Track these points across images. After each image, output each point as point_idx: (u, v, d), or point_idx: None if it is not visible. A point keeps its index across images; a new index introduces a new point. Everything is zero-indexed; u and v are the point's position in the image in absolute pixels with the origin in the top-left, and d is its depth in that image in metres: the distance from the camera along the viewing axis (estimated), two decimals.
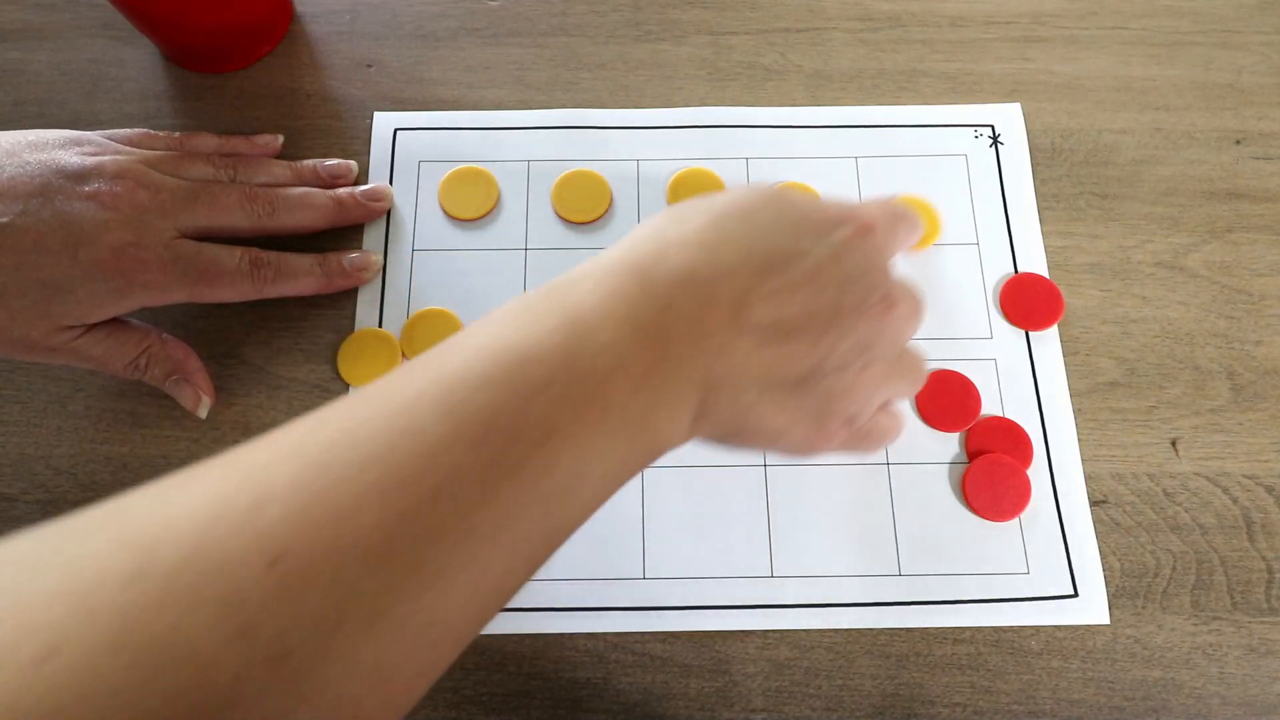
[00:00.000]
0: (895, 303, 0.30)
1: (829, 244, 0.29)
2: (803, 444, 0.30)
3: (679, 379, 0.26)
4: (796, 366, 0.28)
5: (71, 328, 0.34)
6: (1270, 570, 0.37)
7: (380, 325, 0.41)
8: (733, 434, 0.29)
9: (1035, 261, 0.42)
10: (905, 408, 0.39)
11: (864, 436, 0.33)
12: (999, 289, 0.41)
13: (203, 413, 0.38)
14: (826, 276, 0.28)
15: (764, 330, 0.27)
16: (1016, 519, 0.37)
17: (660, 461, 0.38)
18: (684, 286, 0.26)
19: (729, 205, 0.29)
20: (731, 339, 0.27)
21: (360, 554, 0.20)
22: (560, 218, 0.43)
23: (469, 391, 0.23)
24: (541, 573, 0.36)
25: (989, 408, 0.39)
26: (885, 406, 0.33)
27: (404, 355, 0.40)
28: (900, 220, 0.34)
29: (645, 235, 0.28)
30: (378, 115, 0.45)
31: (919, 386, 0.34)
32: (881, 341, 0.30)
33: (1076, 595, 0.36)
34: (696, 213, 0.29)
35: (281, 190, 0.39)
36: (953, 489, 0.38)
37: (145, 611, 0.18)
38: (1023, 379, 0.40)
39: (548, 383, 0.24)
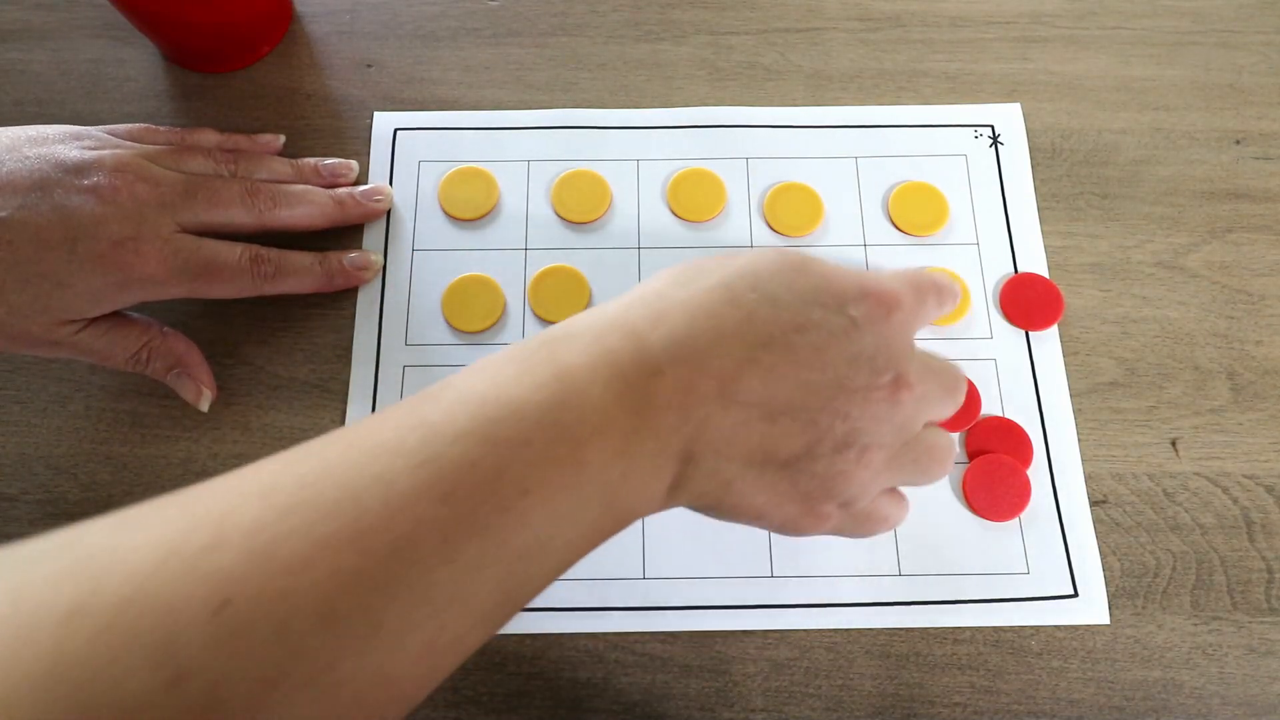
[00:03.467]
0: (908, 385, 0.28)
1: (842, 318, 0.27)
2: (789, 524, 0.29)
3: (659, 448, 0.25)
4: (787, 447, 0.27)
5: (72, 322, 0.34)
6: (1270, 570, 0.37)
7: (380, 325, 0.41)
8: (712, 506, 0.28)
9: (1035, 261, 0.42)
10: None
11: (861, 521, 0.31)
12: (999, 289, 0.41)
13: (204, 406, 0.38)
14: (832, 353, 0.27)
15: (754, 406, 0.26)
16: (1016, 519, 0.37)
17: None
18: (675, 353, 0.25)
19: (740, 269, 0.28)
20: (718, 412, 0.26)
21: (309, 607, 0.19)
22: (560, 218, 0.43)
23: (445, 443, 0.22)
24: None
25: (989, 408, 0.39)
26: (892, 491, 0.32)
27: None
28: (930, 293, 0.31)
29: (648, 294, 0.27)
30: (378, 115, 0.45)
31: (938, 475, 0.31)
32: (888, 426, 0.28)
33: (1076, 595, 0.36)
34: (704, 274, 0.28)
35: (282, 186, 0.39)
36: (953, 489, 0.38)
37: (79, 650, 0.17)
38: (1023, 379, 0.40)
39: (527, 440, 0.23)
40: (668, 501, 0.27)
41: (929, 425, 0.31)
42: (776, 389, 0.26)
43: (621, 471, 0.24)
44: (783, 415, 0.26)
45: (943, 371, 0.31)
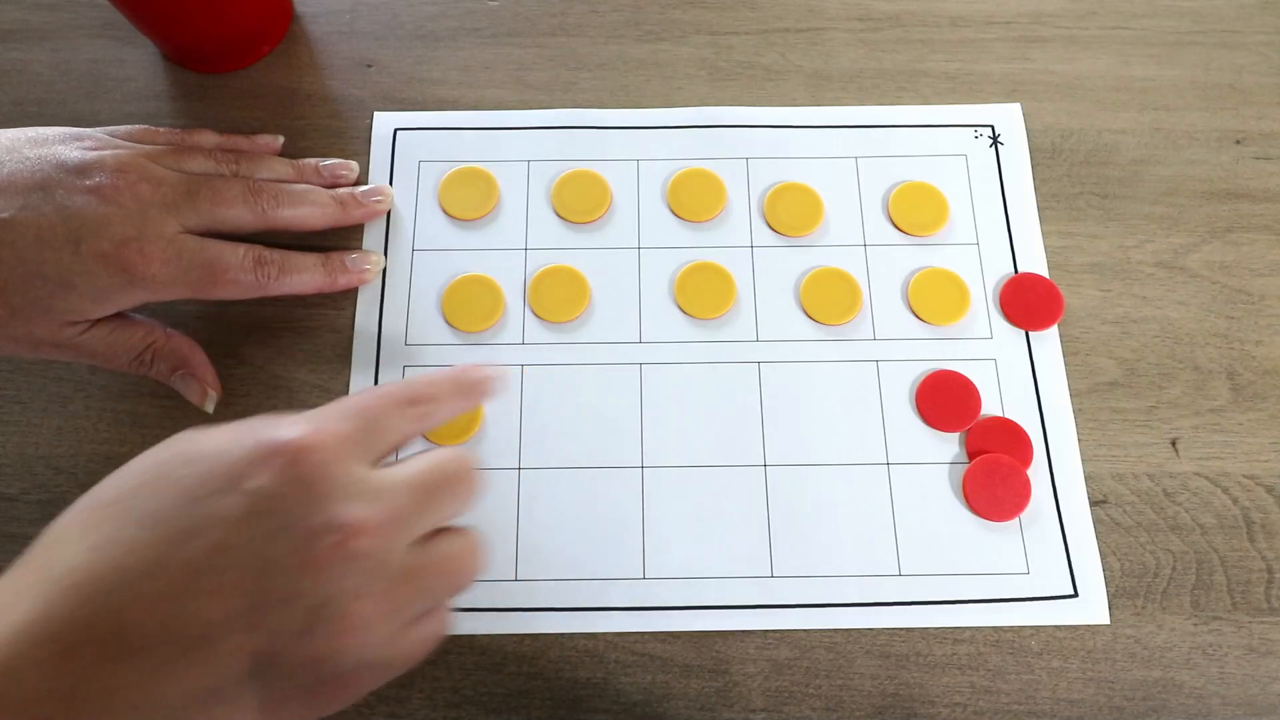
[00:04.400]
0: (359, 528, 0.24)
1: (240, 497, 0.24)
2: (317, 713, 0.25)
3: None
4: (238, 662, 0.23)
5: (76, 323, 0.34)
6: (1270, 570, 0.37)
7: (380, 325, 0.41)
8: None
9: (1035, 261, 0.42)
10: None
11: (391, 668, 0.26)
12: (999, 289, 0.41)
13: (209, 407, 0.38)
14: (242, 542, 0.23)
15: (159, 646, 0.22)
16: (1016, 519, 0.37)
17: (660, 461, 0.38)
18: (26, 640, 0.22)
19: (117, 495, 0.25)
20: (114, 675, 0.22)
21: None
22: (560, 218, 0.43)
23: None
24: (541, 572, 0.37)
25: (989, 408, 0.39)
26: (420, 619, 0.27)
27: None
28: (384, 412, 0.27)
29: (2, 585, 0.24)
30: (378, 115, 0.45)
31: (457, 588, 0.27)
32: (359, 579, 0.24)
33: (1076, 595, 0.36)
34: (72, 526, 0.24)
35: (285, 185, 0.39)
36: (953, 489, 0.38)
37: None
38: (1023, 379, 0.40)
39: None
40: None
41: (432, 537, 0.27)
42: (187, 613, 0.23)
43: None
44: (206, 636, 0.23)
45: (416, 479, 0.27)
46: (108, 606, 0.23)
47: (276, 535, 0.24)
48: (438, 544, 0.27)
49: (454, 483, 0.27)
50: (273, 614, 0.23)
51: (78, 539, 0.24)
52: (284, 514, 0.24)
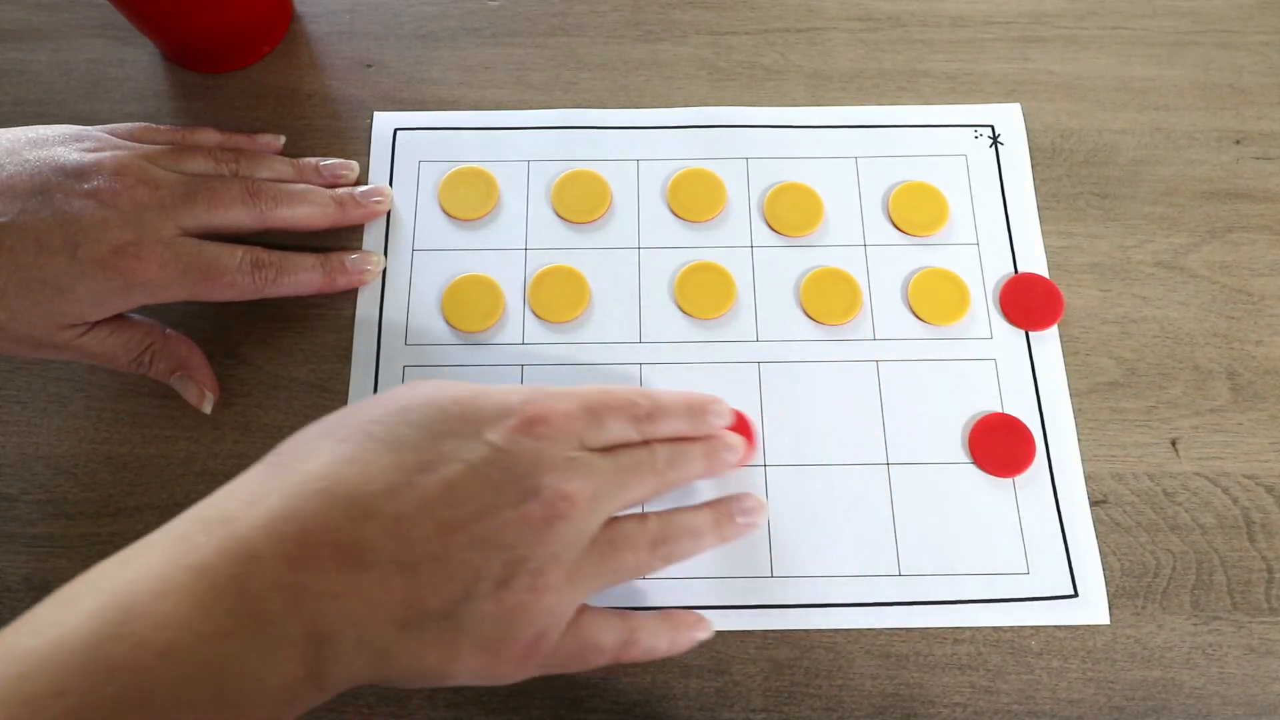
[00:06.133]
0: (567, 497, 0.26)
1: (479, 444, 0.26)
2: (483, 676, 0.26)
3: (268, 642, 0.23)
4: (438, 596, 0.25)
5: (74, 326, 0.34)
6: (1270, 570, 0.37)
7: (380, 325, 0.41)
8: (380, 680, 0.25)
9: (1035, 261, 0.42)
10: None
11: (572, 657, 0.28)
12: (999, 289, 0.41)
13: (207, 408, 0.38)
14: (469, 485, 0.25)
15: (385, 564, 0.24)
16: (1016, 519, 0.37)
17: None
18: (274, 530, 0.23)
19: (367, 418, 0.26)
20: (342, 581, 0.24)
21: None
22: (560, 218, 0.43)
23: None
24: None
25: (989, 407, 0.39)
26: (606, 614, 0.29)
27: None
28: (610, 412, 0.29)
29: (255, 472, 0.26)
30: (378, 115, 0.45)
31: (630, 569, 0.29)
32: (558, 543, 0.26)
33: (1076, 595, 0.36)
34: (325, 435, 0.26)
35: (284, 185, 0.39)
36: (954, 488, 0.38)
37: None
38: (1023, 379, 0.40)
39: (60, 691, 0.20)
40: (313, 694, 0.24)
41: (618, 519, 0.29)
42: (406, 540, 0.24)
43: (215, 684, 0.22)
44: (424, 563, 0.24)
45: (620, 460, 0.29)
46: (349, 517, 0.24)
47: (502, 486, 0.26)
48: (616, 526, 0.29)
49: (647, 469, 0.29)
50: (478, 554, 0.25)
51: (328, 450, 0.26)
52: (513, 469, 0.26)
